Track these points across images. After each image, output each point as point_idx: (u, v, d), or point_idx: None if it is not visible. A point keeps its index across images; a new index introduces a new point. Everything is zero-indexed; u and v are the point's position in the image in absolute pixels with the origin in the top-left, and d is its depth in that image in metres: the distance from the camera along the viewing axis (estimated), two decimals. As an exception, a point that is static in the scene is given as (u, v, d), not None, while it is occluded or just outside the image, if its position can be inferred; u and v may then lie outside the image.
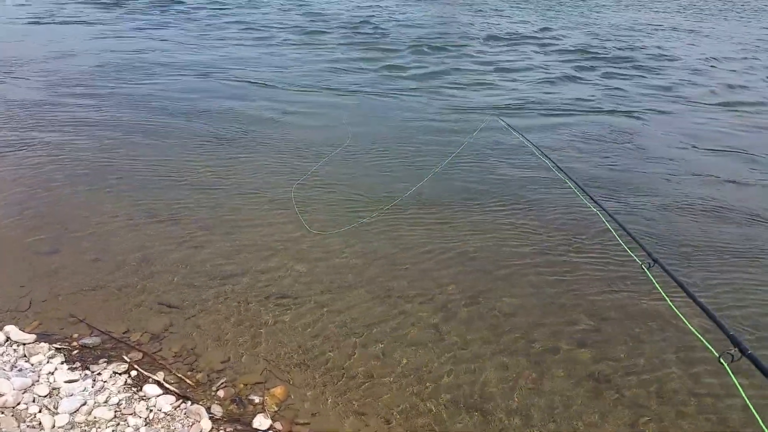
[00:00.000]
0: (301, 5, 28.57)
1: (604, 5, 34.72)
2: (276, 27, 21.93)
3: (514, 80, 15.27)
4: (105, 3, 26.59)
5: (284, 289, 5.77)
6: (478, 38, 21.19)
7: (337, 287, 5.85)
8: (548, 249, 6.67)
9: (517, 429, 4.35)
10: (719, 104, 13.64)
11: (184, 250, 6.30)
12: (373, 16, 25.18)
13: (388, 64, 16.45)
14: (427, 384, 4.71)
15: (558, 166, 6.50)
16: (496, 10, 30.03)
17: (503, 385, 4.73)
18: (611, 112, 12.60)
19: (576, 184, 5.70)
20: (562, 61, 17.79)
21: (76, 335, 5.01)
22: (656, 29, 25.22)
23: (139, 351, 4.88)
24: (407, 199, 7.65)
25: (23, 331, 4.89)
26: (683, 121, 12.19)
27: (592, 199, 5.27)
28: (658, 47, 20.82)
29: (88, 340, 4.94)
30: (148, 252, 6.23)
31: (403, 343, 5.15)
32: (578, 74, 16.21)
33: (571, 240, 6.86)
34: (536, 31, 23.35)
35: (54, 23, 21.28)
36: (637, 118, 12.26)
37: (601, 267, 6.32)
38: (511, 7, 31.77)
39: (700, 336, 3.24)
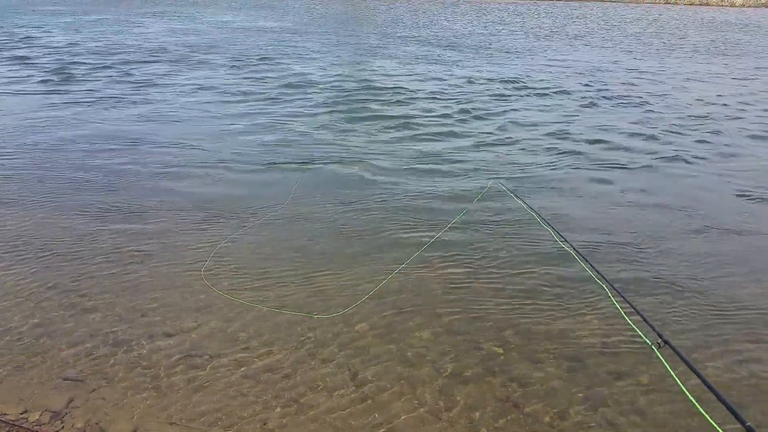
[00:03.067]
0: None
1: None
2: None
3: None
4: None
5: (197, 348, 5.58)
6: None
7: (253, 343, 5.70)
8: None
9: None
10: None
11: (84, 320, 5.99)
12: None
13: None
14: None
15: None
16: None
17: None
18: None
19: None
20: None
21: (-35, 422, 4.65)
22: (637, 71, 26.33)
23: None
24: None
25: None
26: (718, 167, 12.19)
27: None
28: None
29: (-20, 426, 4.59)
30: (46, 324, 5.90)
31: (317, 388, 5.05)
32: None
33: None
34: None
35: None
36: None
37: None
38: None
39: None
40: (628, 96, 19.64)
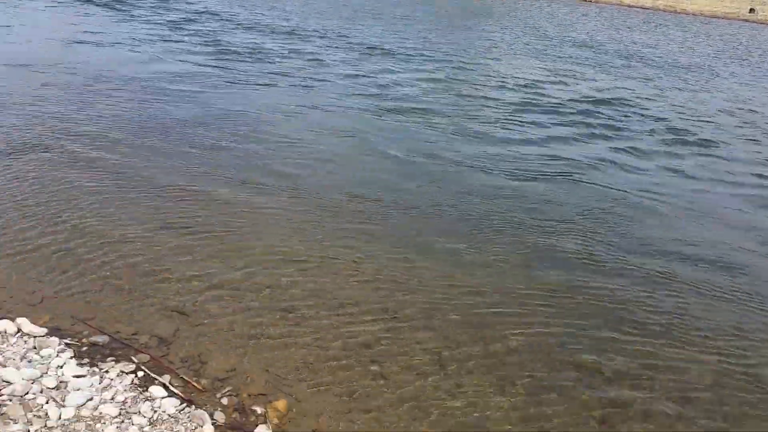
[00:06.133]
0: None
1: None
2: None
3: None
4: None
5: (293, 303, 5.85)
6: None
7: (346, 305, 5.92)
8: None
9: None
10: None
11: (195, 260, 6.37)
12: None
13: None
14: (430, 412, 4.76)
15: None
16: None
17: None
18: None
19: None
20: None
21: (86, 333, 5.07)
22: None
23: (146, 354, 4.94)
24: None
25: (34, 325, 4.95)
26: None
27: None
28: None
29: (97, 339, 5.00)
30: (161, 259, 6.31)
31: (406, 367, 5.20)
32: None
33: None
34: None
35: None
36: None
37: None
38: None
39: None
40: None
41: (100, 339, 5.02)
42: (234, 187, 8.34)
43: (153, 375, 4.67)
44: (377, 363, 5.21)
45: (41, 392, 4.16)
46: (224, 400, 4.59)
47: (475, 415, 4.77)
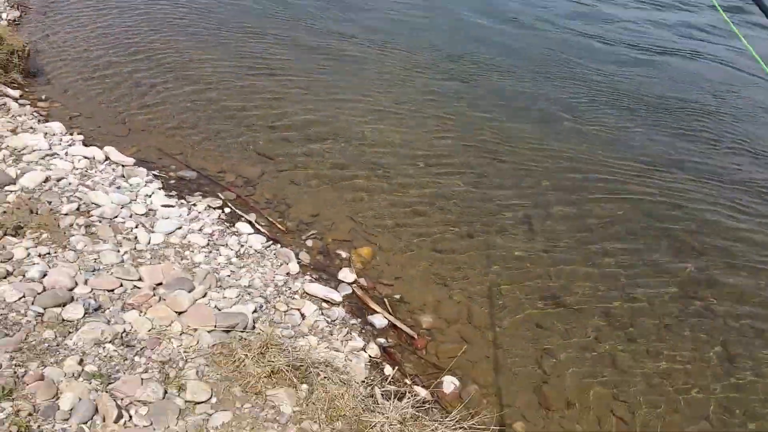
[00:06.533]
0: None
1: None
2: None
3: None
4: None
5: (379, 154, 5.67)
6: None
7: (433, 161, 5.71)
8: None
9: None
10: None
11: (283, 106, 6.21)
12: None
13: None
14: (514, 272, 4.60)
15: None
16: None
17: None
18: None
19: None
20: None
21: (173, 167, 5.04)
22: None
23: (233, 192, 4.88)
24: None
25: (122, 154, 4.93)
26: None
27: None
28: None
29: (184, 173, 4.97)
30: (248, 102, 6.16)
31: (492, 227, 5.02)
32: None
33: None
34: None
35: None
36: None
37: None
38: None
39: None
40: None
41: (188, 174, 4.97)
42: (323, 37, 8.02)
43: (239, 212, 4.61)
44: (464, 221, 5.03)
45: (130, 217, 4.15)
46: (309, 243, 4.53)
47: (560, 281, 4.59)
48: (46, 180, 4.25)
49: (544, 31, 9.57)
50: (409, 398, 3.03)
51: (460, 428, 3.01)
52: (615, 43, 9.47)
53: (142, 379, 2.86)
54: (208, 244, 4.10)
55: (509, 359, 3.94)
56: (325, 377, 3.08)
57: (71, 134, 5.03)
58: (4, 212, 3.75)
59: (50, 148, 4.68)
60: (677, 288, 4.66)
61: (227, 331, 3.28)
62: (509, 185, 5.54)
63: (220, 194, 4.80)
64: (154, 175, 4.81)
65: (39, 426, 2.46)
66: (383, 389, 3.34)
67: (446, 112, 6.58)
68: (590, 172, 5.90)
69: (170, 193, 4.62)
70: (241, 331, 3.30)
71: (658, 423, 3.66)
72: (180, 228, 4.16)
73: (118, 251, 3.78)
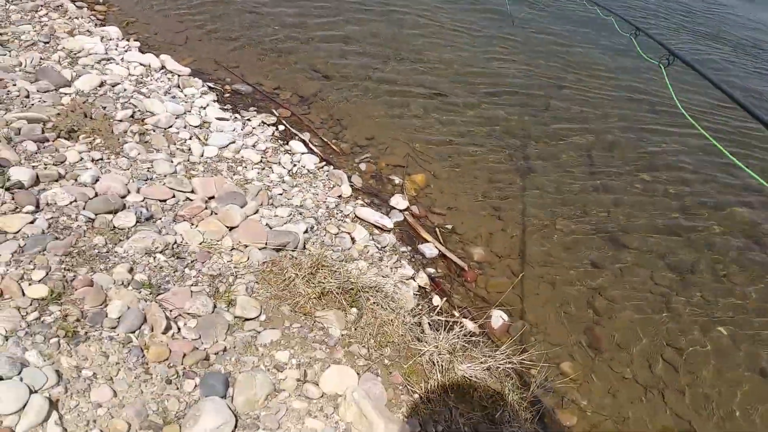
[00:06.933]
0: None
1: None
2: None
3: None
4: None
5: (439, 86, 5.47)
6: None
7: (495, 90, 5.50)
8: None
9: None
10: None
11: (343, 26, 6.01)
12: None
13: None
14: (568, 203, 4.44)
15: None
16: None
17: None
18: None
19: None
20: None
21: (228, 80, 4.94)
22: None
23: (288, 110, 4.77)
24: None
25: (178, 63, 4.83)
26: None
27: None
28: None
29: (240, 87, 4.87)
30: (306, 21, 5.98)
31: (552, 161, 4.83)
32: None
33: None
34: None
35: None
36: None
37: None
38: None
39: None
40: None
41: (243, 88, 4.87)
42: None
43: (294, 130, 4.52)
44: (522, 154, 4.86)
45: (185, 128, 4.09)
46: (362, 166, 4.43)
47: (619, 220, 4.42)
48: (101, 84, 4.19)
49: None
50: (458, 330, 2.96)
51: (510, 363, 2.94)
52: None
53: (191, 291, 2.82)
54: (261, 161, 4.02)
55: (560, 297, 3.84)
56: (374, 303, 3.02)
57: (127, 40, 4.95)
58: (59, 114, 3.70)
59: (106, 53, 4.61)
60: (744, 237, 4.45)
61: (278, 250, 3.23)
62: (573, 117, 5.32)
63: (274, 111, 4.70)
64: (209, 87, 4.72)
65: (86, 332, 2.44)
66: (431, 319, 3.28)
67: (511, 34, 6.28)
68: (660, 106, 5.63)
69: (225, 107, 4.54)
70: (292, 251, 3.24)
71: (709, 370, 3.55)
72: (233, 142, 4.08)
73: (172, 161, 3.73)
